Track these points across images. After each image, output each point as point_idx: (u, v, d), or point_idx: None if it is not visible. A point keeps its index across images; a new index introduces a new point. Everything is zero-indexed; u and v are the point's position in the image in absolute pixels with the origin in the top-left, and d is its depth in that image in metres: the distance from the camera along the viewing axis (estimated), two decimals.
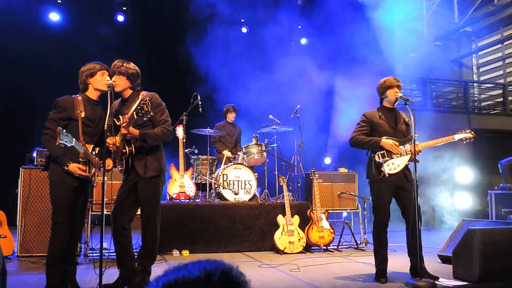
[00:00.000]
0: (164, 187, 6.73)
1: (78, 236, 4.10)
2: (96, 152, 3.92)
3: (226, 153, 7.60)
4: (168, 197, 6.69)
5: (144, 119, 3.86)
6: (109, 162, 4.04)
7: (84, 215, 4.10)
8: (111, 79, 3.96)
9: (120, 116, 4.00)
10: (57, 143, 3.44)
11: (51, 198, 3.85)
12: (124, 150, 3.97)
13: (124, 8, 10.07)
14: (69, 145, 3.52)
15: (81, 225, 4.13)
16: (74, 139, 3.58)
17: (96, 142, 3.97)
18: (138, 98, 4.01)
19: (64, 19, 9.67)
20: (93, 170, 3.90)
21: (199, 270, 0.95)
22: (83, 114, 3.84)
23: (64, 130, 3.51)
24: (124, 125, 3.85)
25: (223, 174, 6.91)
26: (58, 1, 9.53)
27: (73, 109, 3.82)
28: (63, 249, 3.77)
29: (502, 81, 13.91)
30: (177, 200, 6.58)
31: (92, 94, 3.99)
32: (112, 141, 3.90)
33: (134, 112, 3.75)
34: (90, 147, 3.86)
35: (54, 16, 9.59)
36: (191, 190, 6.73)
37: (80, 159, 3.78)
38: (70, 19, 9.71)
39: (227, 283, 0.97)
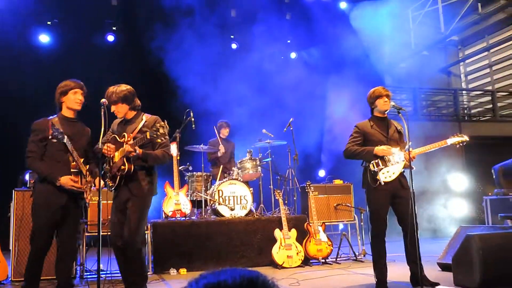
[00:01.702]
0: (159, 205, 6.72)
1: (70, 256, 4.06)
2: (86, 169, 3.99)
3: (221, 149, 7.61)
4: (163, 215, 6.63)
5: (158, 140, 3.90)
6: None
7: (74, 233, 4.07)
8: (111, 110, 4.05)
9: (125, 133, 4.07)
10: (49, 136, 3.48)
11: (32, 219, 3.97)
12: (123, 167, 3.97)
13: (114, 28, 10.09)
14: (63, 141, 3.64)
15: (73, 245, 4.09)
16: (66, 137, 3.68)
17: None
18: (142, 119, 4.13)
19: (54, 40, 9.67)
20: (84, 181, 3.91)
21: (240, 276, 0.97)
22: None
23: (55, 125, 3.63)
24: (130, 142, 3.91)
25: (218, 190, 6.88)
26: (48, 22, 9.53)
27: (47, 130, 3.87)
28: (36, 269, 3.90)
29: (490, 88, 14.07)
30: (173, 218, 6.53)
31: (66, 112, 4.07)
32: (108, 148, 3.95)
33: (148, 133, 3.80)
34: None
35: (44, 38, 9.58)
36: (186, 207, 6.68)
37: (71, 169, 3.79)
38: (60, 41, 9.71)
39: None
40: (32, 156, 3.84)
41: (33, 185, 4.04)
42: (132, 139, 3.97)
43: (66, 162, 3.88)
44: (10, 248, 5.55)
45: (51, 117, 4.01)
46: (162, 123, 3.81)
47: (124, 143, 3.95)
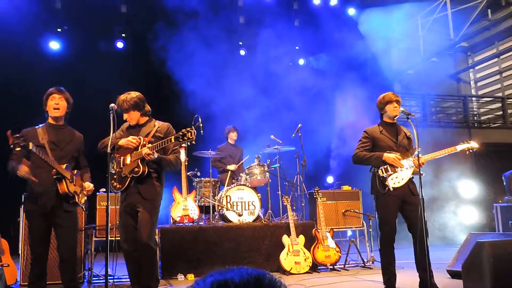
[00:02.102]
0: (167, 210, 6.73)
1: (69, 258, 4.06)
2: (75, 173, 4.07)
3: (231, 167, 7.59)
4: (171, 221, 6.64)
5: (183, 145, 4.06)
6: (89, 186, 4.20)
7: (71, 235, 4.09)
8: (123, 117, 4.17)
9: (140, 137, 4.18)
10: (11, 145, 3.57)
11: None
12: (136, 169, 4.02)
13: (123, 35, 10.16)
14: (29, 148, 3.67)
15: (70, 247, 4.10)
16: (31, 143, 3.72)
17: (70, 164, 4.09)
18: (154, 125, 4.28)
19: (64, 47, 9.75)
20: (73, 186, 3.96)
21: (248, 274, 1.00)
22: (46, 139, 3.99)
23: (18, 134, 3.68)
24: (148, 145, 4.02)
25: (226, 196, 6.87)
26: (58, 30, 9.61)
27: (34, 138, 3.95)
28: (36, 273, 3.97)
29: (500, 94, 13.99)
30: (181, 224, 6.53)
31: (51, 120, 4.17)
32: (133, 139, 4.10)
33: (172, 137, 3.92)
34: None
35: (54, 45, 9.67)
36: (194, 213, 6.68)
37: (53, 176, 3.90)
38: (70, 47, 9.78)
39: None
40: (14, 159, 3.94)
41: None
42: (147, 143, 4.06)
43: (49, 167, 3.91)
44: (19, 252, 5.58)
45: (38, 125, 4.13)
46: (189, 128, 3.89)
47: (140, 146, 4.03)
